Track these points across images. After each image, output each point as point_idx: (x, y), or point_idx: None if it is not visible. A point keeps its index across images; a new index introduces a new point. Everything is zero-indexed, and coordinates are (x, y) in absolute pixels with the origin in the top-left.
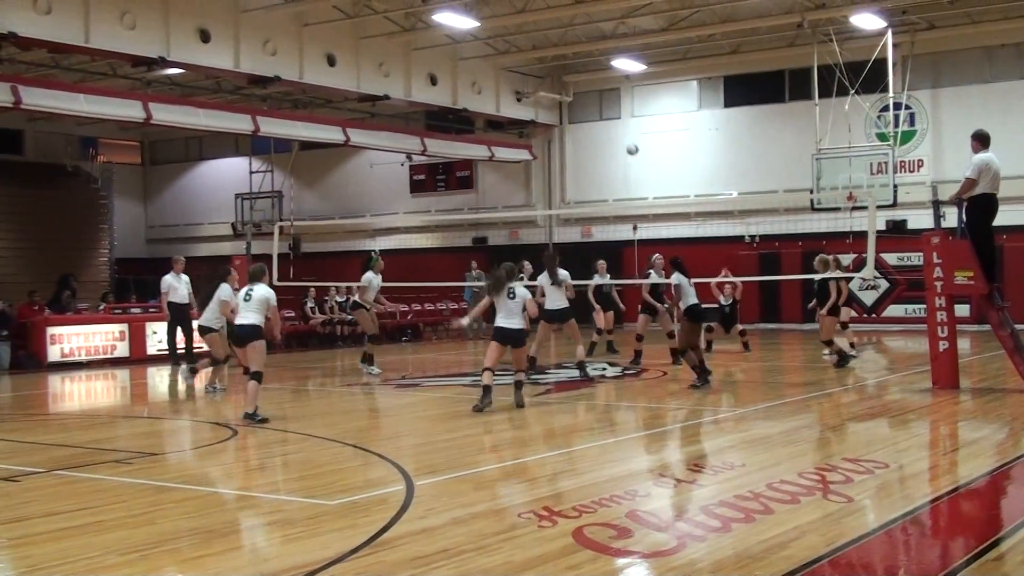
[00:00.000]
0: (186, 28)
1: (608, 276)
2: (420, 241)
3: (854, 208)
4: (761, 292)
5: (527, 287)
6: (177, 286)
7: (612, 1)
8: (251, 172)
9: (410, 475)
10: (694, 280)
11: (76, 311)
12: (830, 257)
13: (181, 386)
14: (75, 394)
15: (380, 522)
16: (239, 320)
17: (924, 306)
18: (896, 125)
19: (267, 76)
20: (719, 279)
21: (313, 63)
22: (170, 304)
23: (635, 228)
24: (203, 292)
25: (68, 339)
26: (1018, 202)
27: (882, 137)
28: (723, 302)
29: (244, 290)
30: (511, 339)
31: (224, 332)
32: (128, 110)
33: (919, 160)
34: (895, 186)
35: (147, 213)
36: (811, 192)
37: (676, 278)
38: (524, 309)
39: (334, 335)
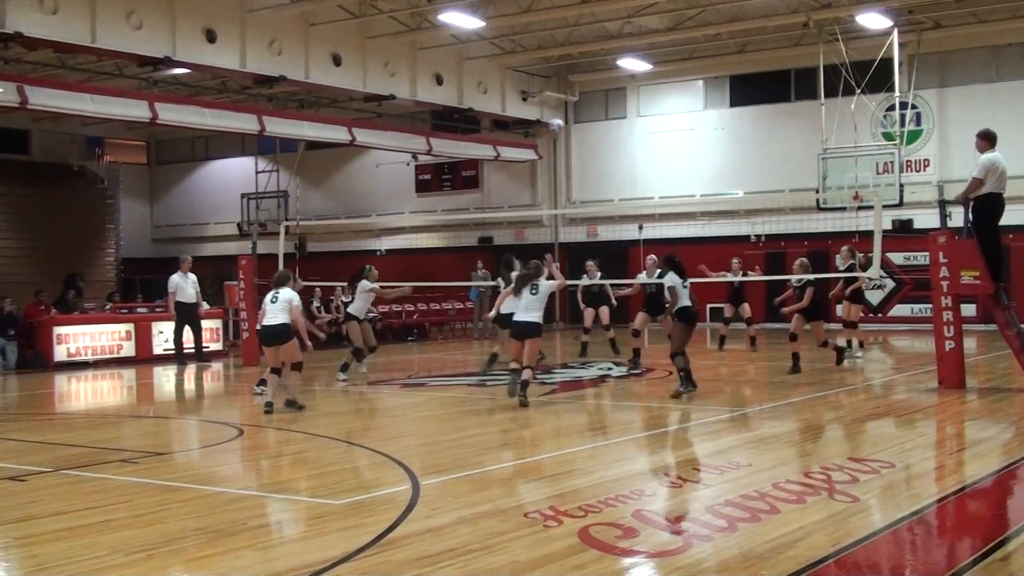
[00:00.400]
0: (192, 28)
1: (599, 275)
2: (425, 241)
3: (860, 208)
4: (767, 292)
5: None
6: (184, 285)
7: (618, 1)
8: (257, 172)
9: (416, 475)
10: (693, 281)
11: (82, 311)
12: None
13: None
14: (81, 394)
15: (386, 522)
16: (267, 321)
17: (930, 306)
18: (902, 124)
19: (273, 76)
20: (719, 276)
21: (319, 63)
22: (177, 303)
23: (640, 228)
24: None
25: (74, 339)
26: None
27: (888, 136)
28: (731, 277)
29: (271, 293)
30: (528, 332)
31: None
32: (134, 110)
33: (925, 160)
34: (901, 186)
35: (153, 213)
36: (817, 192)
37: (670, 279)
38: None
39: (340, 334)
